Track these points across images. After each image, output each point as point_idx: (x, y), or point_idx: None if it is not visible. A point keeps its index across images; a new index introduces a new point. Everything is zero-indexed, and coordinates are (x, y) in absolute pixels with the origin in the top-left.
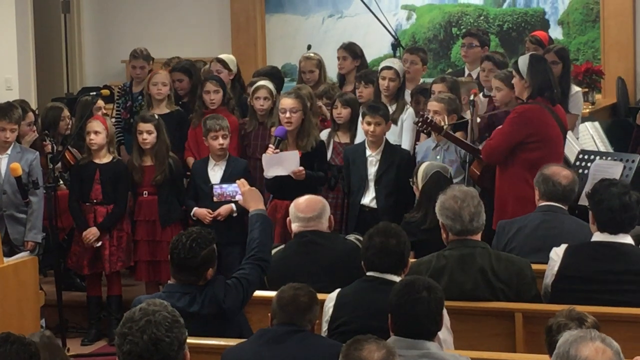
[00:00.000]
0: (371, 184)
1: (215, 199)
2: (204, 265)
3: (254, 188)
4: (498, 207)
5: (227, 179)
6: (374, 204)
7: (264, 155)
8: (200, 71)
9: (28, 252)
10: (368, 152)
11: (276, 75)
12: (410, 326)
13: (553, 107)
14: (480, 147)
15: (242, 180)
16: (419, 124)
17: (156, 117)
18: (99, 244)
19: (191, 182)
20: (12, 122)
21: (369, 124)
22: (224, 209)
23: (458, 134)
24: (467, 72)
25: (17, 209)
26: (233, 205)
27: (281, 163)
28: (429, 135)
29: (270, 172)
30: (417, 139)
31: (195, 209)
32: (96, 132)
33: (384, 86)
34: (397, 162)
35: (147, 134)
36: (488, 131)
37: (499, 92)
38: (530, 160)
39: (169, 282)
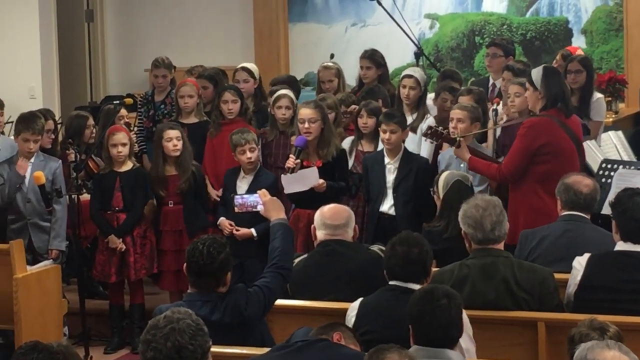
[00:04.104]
0: (389, 192)
1: (236, 209)
2: (223, 270)
3: (275, 198)
4: (510, 220)
5: (252, 191)
6: (392, 212)
7: (282, 175)
8: (229, 80)
9: (51, 260)
10: (386, 159)
11: (293, 84)
12: (432, 335)
13: (567, 118)
14: (499, 159)
15: (263, 190)
16: (428, 135)
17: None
18: (123, 247)
19: (223, 191)
20: (36, 133)
21: (384, 131)
22: (243, 232)
23: (484, 145)
24: (491, 81)
25: (41, 218)
26: (253, 230)
27: (300, 180)
28: (440, 146)
29: (290, 189)
30: (440, 147)
31: (221, 218)
32: (123, 144)
33: (405, 94)
34: (415, 169)
35: (177, 141)
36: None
37: (518, 98)
38: (540, 173)
39: (188, 291)
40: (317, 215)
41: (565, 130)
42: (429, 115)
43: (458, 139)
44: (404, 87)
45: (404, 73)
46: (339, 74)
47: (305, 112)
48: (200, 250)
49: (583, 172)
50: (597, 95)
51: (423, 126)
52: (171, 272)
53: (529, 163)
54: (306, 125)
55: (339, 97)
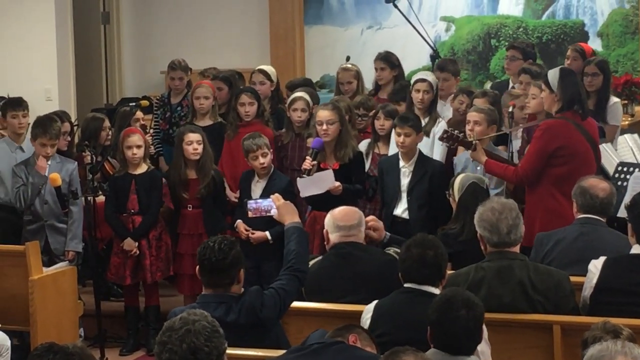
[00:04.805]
0: (404, 195)
1: (250, 214)
2: (235, 266)
3: (288, 201)
4: (526, 222)
5: (266, 195)
6: (405, 215)
7: (298, 179)
8: (245, 82)
9: (67, 262)
10: (401, 163)
11: (309, 87)
12: (449, 342)
13: (583, 120)
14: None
15: (277, 194)
16: (444, 138)
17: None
18: (137, 252)
19: (240, 194)
20: (52, 137)
21: (398, 135)
22: (258, 235)
23: (500, 148)
24: (511, 84)
25: (57, 219)
26: (268, 233)
27: (316, 183)
28: (454, 150)
29: (306, 193)
30: (454, 151)
31: (238, 221)
32: (138, 147)
33: (418, 99)
34: (430, 173)
35: (197, 144)
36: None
37: (534, 100)
38: (556, 176)
39: (202, 292)
40: (328, 218)
41: (581, 132)
42: (440, 119)
43: (474, 141)
44: (418, 91)
45: (416, 77)
46: (358, 75)
47: (323, 114)
48: (212, 247)
49: (599, 174)
50: (614, 99)
51: (435, 130)
52: (189, 276)
53: (545, 165)
54: (324, 127)
55: (358, 99)
